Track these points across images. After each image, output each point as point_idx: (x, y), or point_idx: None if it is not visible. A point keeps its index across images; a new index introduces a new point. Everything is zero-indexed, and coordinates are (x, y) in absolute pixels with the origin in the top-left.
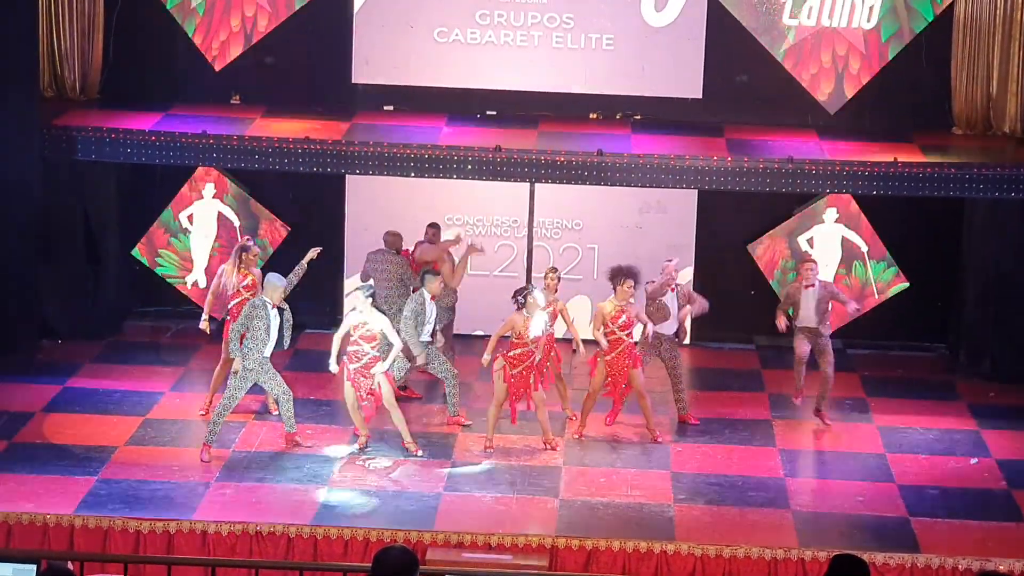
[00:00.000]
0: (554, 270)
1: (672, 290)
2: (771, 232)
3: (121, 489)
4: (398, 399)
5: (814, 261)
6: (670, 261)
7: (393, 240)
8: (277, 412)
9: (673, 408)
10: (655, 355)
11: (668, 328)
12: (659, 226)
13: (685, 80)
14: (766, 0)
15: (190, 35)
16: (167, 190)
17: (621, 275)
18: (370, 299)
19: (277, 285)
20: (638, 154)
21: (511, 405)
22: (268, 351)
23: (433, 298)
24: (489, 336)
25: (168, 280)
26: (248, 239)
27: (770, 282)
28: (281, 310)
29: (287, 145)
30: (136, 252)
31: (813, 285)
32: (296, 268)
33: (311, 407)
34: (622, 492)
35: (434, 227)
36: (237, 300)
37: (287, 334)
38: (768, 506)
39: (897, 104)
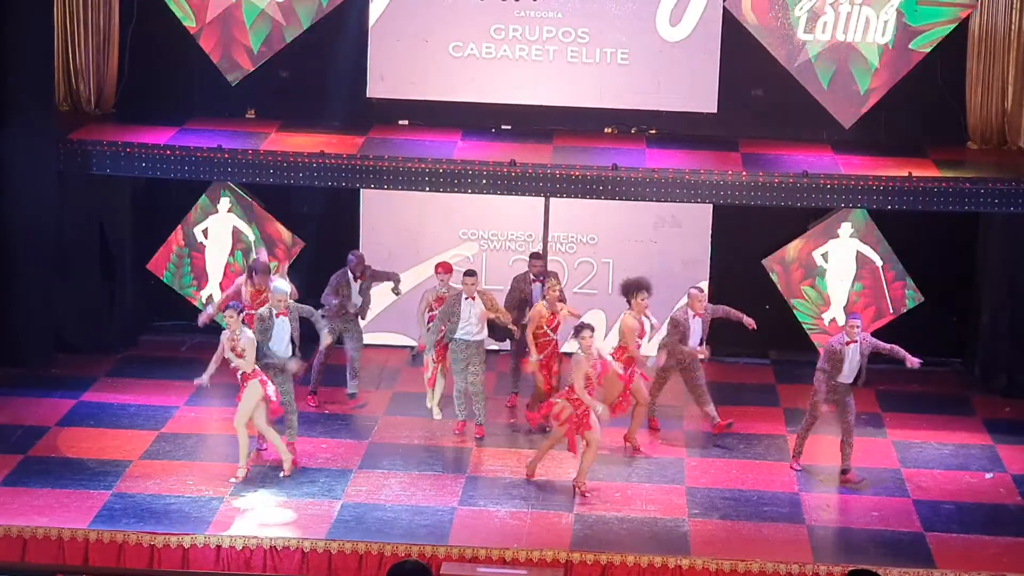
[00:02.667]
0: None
1: (699, 315)
2: (790, 245)
3: (136, 503)
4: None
5: (858, 318)
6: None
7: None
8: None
9: (688, 422)
10: (676, 369)
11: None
12: (674, 241)
13: (700, 94)
14: (781, 15)
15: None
16: (182, 204)
17: (634, 288)
18: None
19: (278, 291)
20: (653, 168)
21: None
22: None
23: (470, 298)
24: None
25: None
26: (258, 254)
27: (789, 299)
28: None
29: (302, 159)
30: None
31: (856, 341)
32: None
33: (324, 422)
34: (637, 507)
35: (537, 256)
36: (248, 312)
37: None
38: (783, 521)
39: (912, 119)
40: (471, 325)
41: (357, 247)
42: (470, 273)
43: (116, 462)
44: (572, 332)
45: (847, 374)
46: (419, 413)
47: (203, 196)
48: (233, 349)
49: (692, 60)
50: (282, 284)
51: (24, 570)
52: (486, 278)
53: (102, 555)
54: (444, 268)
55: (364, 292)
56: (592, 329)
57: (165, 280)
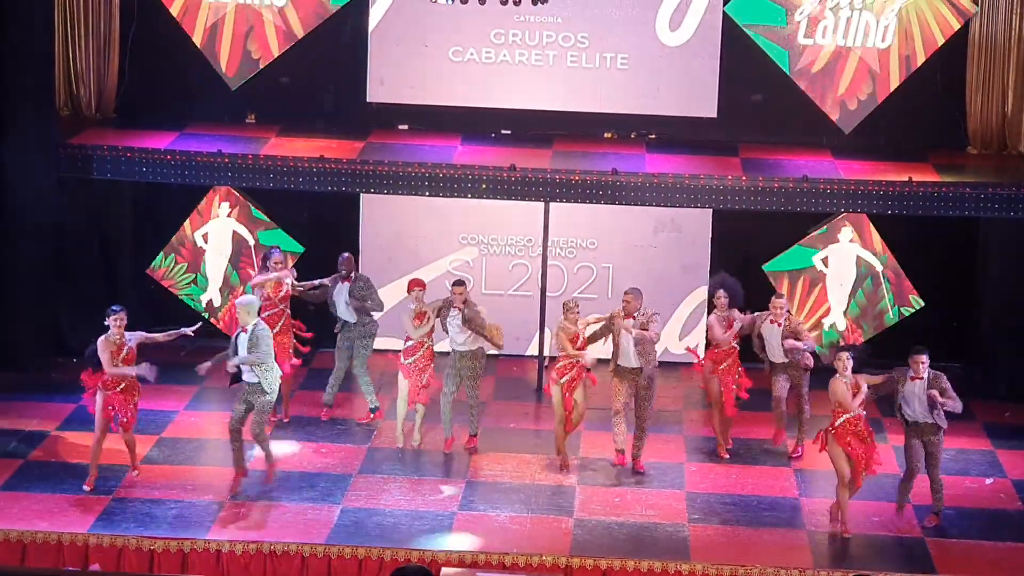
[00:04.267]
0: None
1: (778, 324)
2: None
3: (135, 508)
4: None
5: (924, 354)
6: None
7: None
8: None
9: (688, 427)
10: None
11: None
12: (674, 245)
13: (700, 99)
14: (781, 20)
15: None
16: (182, 208)
17: (714, 288)
18: None
19: (243, 305)
20: (653, 173)
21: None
22: (244, 375)
23: (456, 308)
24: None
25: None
26: (271, 248)
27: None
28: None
29: (302, 164)
30: (156, 261)
31: (922, 377)
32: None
33: (324, 426)
34: (637, 512)
35: (633, 293)
36: (271, 312)
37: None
38: (783, 526)
39: (912, 123)
40: (457, 335)
41: (357, 252)
42: (458, 283)
43: (116, 467)
44: (832, 353)
45: (919, 412)
46: None
47: None
48: (114, 354)
49: (692, 65)
50: (244, 298)
51: (24, 575)
52: (485, 282)
53: (102, 560)
54: (417, 284)
55: (354, 299)
56: (849, 351)
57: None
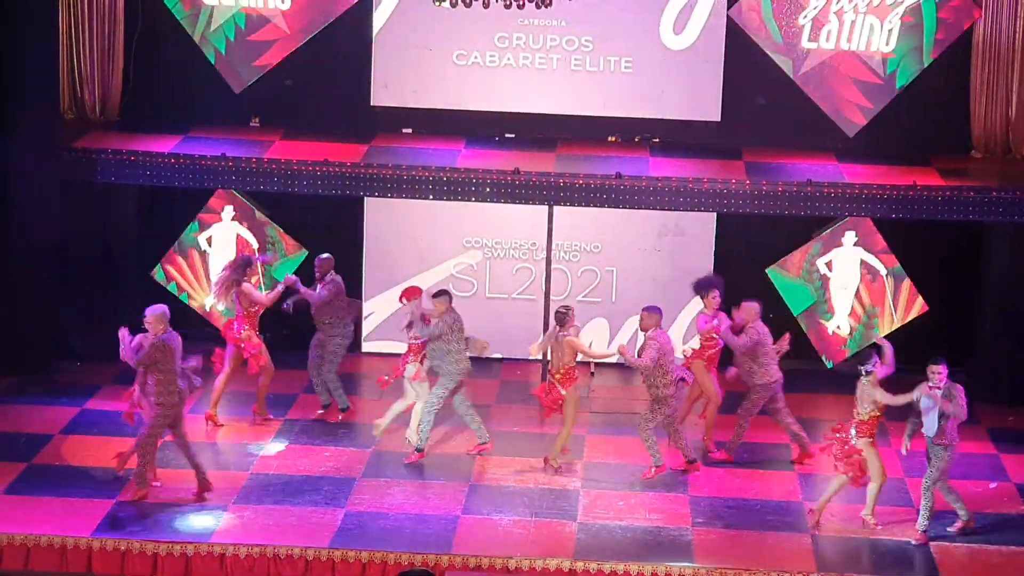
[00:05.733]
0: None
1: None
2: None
3: (139, 512)
4: None
5: (939, 364)
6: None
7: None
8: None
9: (691, 431)
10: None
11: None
12: (677, 249)
13: (703, 103)
14: (785, 23)
15: (211, 60)
16: (186, 212)
17: (707, 287)
18: None
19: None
20: (656, 177)
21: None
22: None
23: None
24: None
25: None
26: (250, 253)
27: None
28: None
29: (306, 168)
30: (159, 273)
31: (939, 388)
32: None
33: (327, 430)
34: (640, 516)
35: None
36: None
37: None
38: (786, 530)
39: (916, 127)
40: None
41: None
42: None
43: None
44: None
45: (926, 424)
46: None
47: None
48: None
49: (695, 68)
50: (152, 308)
51: None
52: (489, 286)
53: (105, 563)
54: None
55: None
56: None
57: (171, 289)
